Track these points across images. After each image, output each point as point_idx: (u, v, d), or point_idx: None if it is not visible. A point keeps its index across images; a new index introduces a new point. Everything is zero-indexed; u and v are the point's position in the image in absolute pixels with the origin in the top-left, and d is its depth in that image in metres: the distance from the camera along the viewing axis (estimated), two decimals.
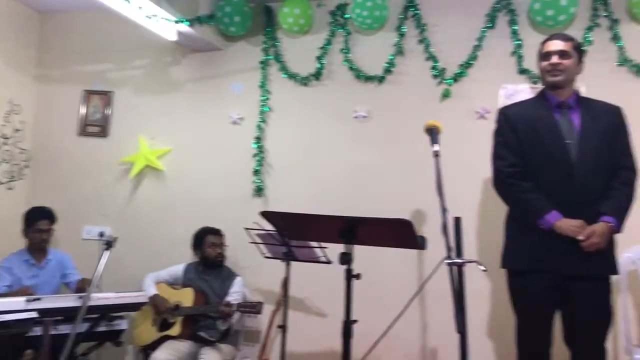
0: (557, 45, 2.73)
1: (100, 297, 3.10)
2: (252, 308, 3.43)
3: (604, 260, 2.63)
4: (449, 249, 2.21)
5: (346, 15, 4.00)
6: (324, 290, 3.72)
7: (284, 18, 4.01)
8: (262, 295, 3.95)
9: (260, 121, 4.13)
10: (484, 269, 2.30)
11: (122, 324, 3.35)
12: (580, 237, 2.54)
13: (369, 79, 3.94)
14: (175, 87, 4.40)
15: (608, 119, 2.71)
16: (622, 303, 3.14)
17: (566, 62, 2.71)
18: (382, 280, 3.61)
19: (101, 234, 4.24)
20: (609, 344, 2.67)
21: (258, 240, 3.46)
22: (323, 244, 3.30)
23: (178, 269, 3.84)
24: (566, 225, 2.57)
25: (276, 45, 4.17)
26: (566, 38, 2.76)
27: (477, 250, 3.57)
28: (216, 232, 3.83)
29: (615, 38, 3.53)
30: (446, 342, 3.46)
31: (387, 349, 3.08)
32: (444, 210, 2.26)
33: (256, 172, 4.10)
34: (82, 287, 3.62)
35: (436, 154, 2.46)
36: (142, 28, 3.86)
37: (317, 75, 4.05)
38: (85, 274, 3.77)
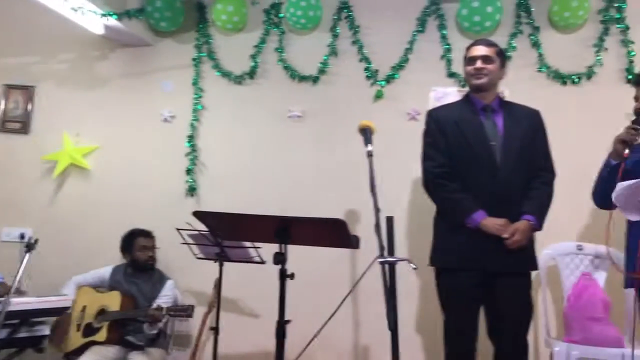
0: (480, 50, 2.84)
1: (20, 302, 2.96)
2: (182, 312, 3.33)
3: (525, 257, 2.75)
4: (381, 247, 2.24)
5: (280, 15, 3.99)
6: (257, 290, 3.70)
7: (217, 15, 3.95)
8: (194, 297, 3.88)
9: (193, 119, 4.06)
10: (415, 267, 2.35)
11: (44, 330, 3.20)
12: (505, 235, 2.65)
13: (303, 78, 3.95)
14: (102, 82, 4.24)
15: (528, 122, 2.84)
16: (542, 298, 3.30)
17: (489, 66, 2.81)
18: (316, 279, 3.63)
19: (22, 236, 4.07)
20: (530, 337, 2.79)
21: (190, 241, 3.40)
22: (257, 244, 3.28)
23: (105, 272, 3.70)
24: (491, 224, 2.67)
25: (209, 42, 4.11)
26: (489, 44, 2.87)
27: (407, 249, 3.66)
28: (147, 234, 3.72)
29: (536, 45, 3.71)
30: (378, 339, 3.52)
31: (321, 348, 3.10)
32: (376, 209, 2.29)
33: (189, 172, 4.02)
34: (2, 292, 3.43)
35: (369, 154, 2.49)
36: (67, 20, 3.71)
37: (252, 73, 4.02)
38: (4, 278, 3.57)
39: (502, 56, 2.90)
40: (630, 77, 3.55)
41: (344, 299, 2.49)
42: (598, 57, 3.63)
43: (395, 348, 2.21)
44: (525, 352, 2.74)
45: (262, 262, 3.30)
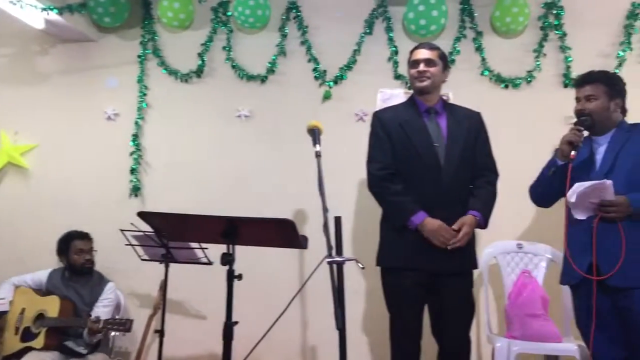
0: (423, 54, 2.88)
1: None
2: (121, 325, 3.20)
3: (467, 256, 2.82)
4: (329, 247, 2.25)
5: (228, 13, 3.95)
6: (204, 292, 3.65)
7: (163, 12, 3.88)
8: (138, 299, 3.80)
9: (138, 117, 3.97)
10: (363, 266, 2.37)
11: None
12: (455, 227, 2.70)
13: (251, 78, 3.92)
14: (42, 78, 4.09)
15: (470, 123, 2.91)
16: (484, 295, 3.39)
17: (432, 69, 2.86)
18: (264, 280, 3.61)
19: None
20: (472, 334, 2.87)
21: (135, 242, 3.32)
22: (204, 245, 3.24)
23: (42, 275, 3.56)
24: (429, 228, 2.70)
25: (155, 39, 4.03)
26: (431, 47, 2.92)
27: (355, 249, 3.69)
28: (84, 237, 3.58)
29: (479, 49, 3.81)
30: (326, 339, 3.53)
31: (268, 348, 3.07)
32: (325, 209, 2.30)
33: (133, 171, 3.92)
34: None
35: (318, 154, 2.50)
36: (5, 13, 3.56)
37: (199, 72, 3.96)
38: None
39: (445, 59, 2.96)
40: (567, 82, 3.70)
41: (292, 300, 2.49)
42: (537, 62, 3.76)
43: (343, 348, 2.22)
44: (468, 349, 2.82)
45: (210, 263, 3.26)
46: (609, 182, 2.47)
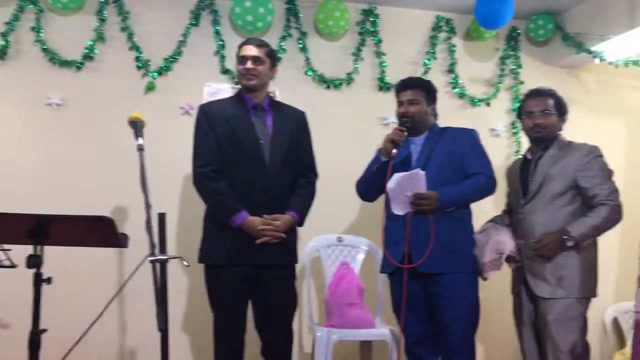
0: (251, 50, 2.89)
1: None
2: None
3: (289, 251, 2.91)
4: (152, 245, 2.17)
5: None
6: (6, 298, 3.29)
7: None
8: None
9: None
10: (187, 264, 2.33)
11: None
12: (266, 217, 2.75)
13: (65, 63, 3.60)
14: None
15: (295, 122, 2.99)
16: (306, 287, 3.52)
17: (259, 67, 2.88)
18: (78, 282, 3.37)
19: None
20: (295, 325, 2.97)
21: None
22: (6, 246, 2.91)
23: None
24: (252, 226, 2.75)
25: None
26: (259, 44, 2.92)
27: (180, 246, 3.59)
28: None
29: (304, 49, 3.94)
30: (146, 341, 3.39)
31: (82, 355, 2.86)
32: (147, 206, 2.21)
33: None
34: None
35: (140, 148, 2.39)
36: None
37: (2, 53, 3.54)
38: None
39: (273, 57, 2.99)
40: (382, 85, 3.99)
41: (109, 302, 2.37)
42: (356, 66, 3.99)
43: (165, 349, 2.17)
44: (290, 341, 2.91)
45: (13, 266, 2.94)
46: (422, 171, 2.73)
